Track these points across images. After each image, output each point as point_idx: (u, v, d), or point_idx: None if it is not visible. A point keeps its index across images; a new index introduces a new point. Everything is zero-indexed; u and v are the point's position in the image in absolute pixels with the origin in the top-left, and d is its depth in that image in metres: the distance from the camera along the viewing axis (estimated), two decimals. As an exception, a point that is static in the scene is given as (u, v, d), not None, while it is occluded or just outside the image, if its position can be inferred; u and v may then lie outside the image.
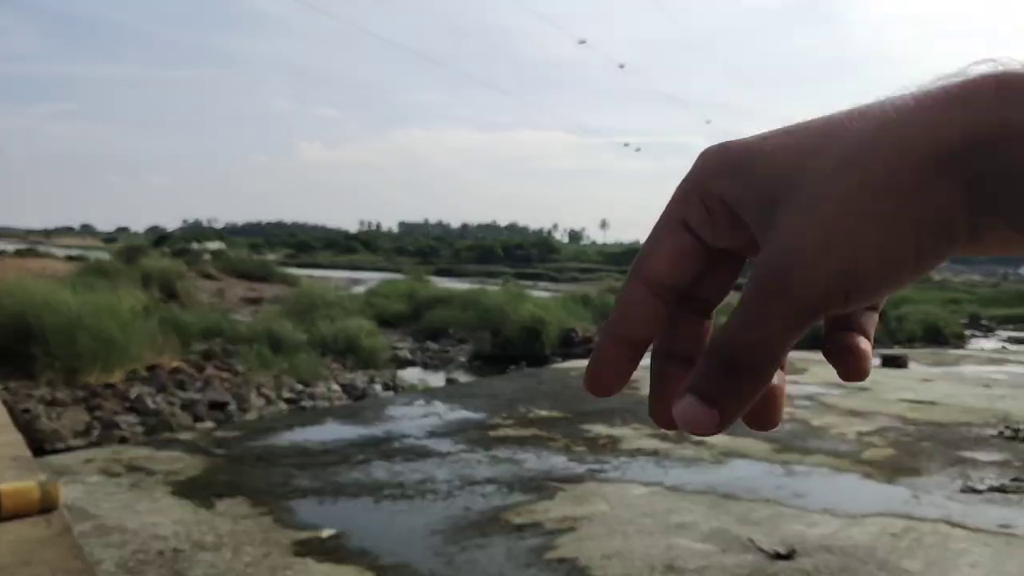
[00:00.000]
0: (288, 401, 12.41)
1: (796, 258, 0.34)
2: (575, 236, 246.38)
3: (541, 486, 8.01)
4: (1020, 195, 0.32)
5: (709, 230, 0.40)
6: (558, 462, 8.96)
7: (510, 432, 10.35)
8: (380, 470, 8.47)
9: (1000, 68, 0.33)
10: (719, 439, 10.01)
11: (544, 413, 11.46)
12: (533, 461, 8.98)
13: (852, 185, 0.34)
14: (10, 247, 61.27)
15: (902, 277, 0.35)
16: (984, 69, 0.34)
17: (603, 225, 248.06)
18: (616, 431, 10.43)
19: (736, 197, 0.38)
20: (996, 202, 0.33)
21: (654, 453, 9.36)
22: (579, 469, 8.69)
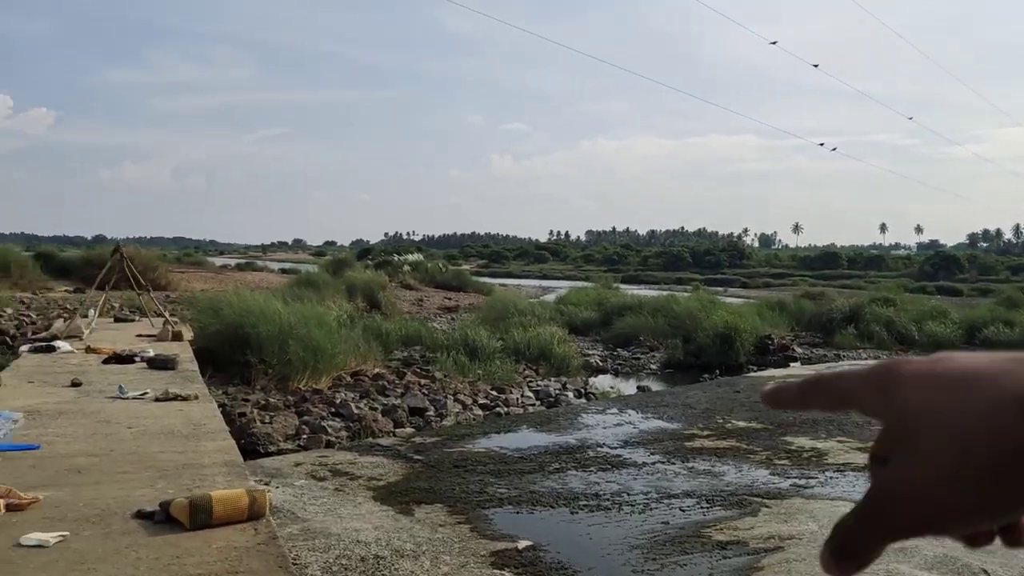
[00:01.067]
0: (483, 407, 12.53)
1: (898, 495, 0.45)
2: (766, 240, 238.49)
3: (743, 501, 7.63)
4: None
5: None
6: (759, 476, 8.53)
7: (707, 443, 9.97)
8: (575, 480, 8.34)
9: None
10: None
11: (742, 424, 10.99)
12: (733, 474, 8.59)
13: (949, 456, 0.43)
14: (232, 262, 66.07)
15: (996, 520, 0.45)
16: None
17: (796, 229, 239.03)
18: (821, 444, 9.85)
19: (879, 416, 0.48)
20: None
21: (864, 468, 8.72)
22: (783, 484, 8.23)
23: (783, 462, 9.04)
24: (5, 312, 21.74)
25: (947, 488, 0.42)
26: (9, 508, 4.76)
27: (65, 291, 30.14)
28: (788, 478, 8.39)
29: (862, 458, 9.13)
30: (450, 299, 34.02)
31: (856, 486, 8.11)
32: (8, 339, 17.41)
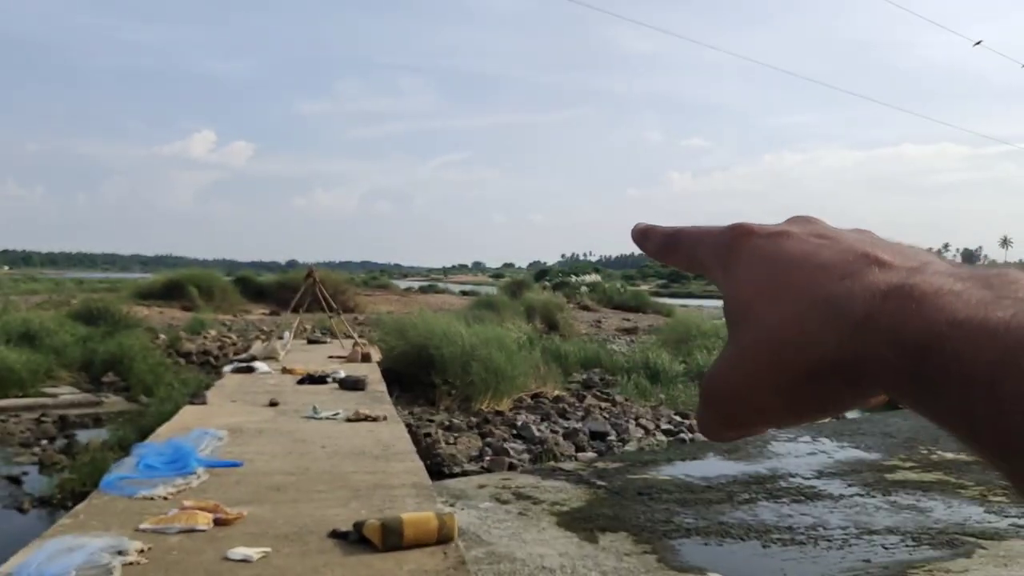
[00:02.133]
0: (666, 432, 12.25)
1: (719, 389, 0.41)
2: (969, 256, 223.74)
3: (953, 540, 7.04)
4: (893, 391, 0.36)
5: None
6: (972, 513, 7.87)
7: (911, 475, 9.31)
8: (766, 511, 7.97)
9: (887, 284, 0.37)
10: None
11: (950, 455, 10.20)
12: (941, 510, 7.96)
13: (761, 361, 0.39)
14: (415, 284, 68.32)
15: (818, 418, 0.42)
16: (887, 279, 0.37)
17: (1004, 243, 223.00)
18: (1044, 479, 8.98)
19: (720, 286, 0.44)
20: (874, 390, 0.37)
21: (1096, 508, 7.90)
22: (1000, 523, 7.55)
23: (999, 499, 8.30)
24: (209, 334, 23.26)
25: (761, 390, 0.39)
26: (217, 523, 5.00)
27: (262, 314, 31.98)
28: (1006, 517, 7.69)
29: (1092, 497, 8.29)
30: (628, 320, 33.75)
31: (1087, 528, 7.33)
32: (212, 359, 18.60)
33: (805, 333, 0.38)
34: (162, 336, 20.91)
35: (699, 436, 12.05)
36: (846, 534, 7.24)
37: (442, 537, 4.62)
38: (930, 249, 0.42)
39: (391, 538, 4.53)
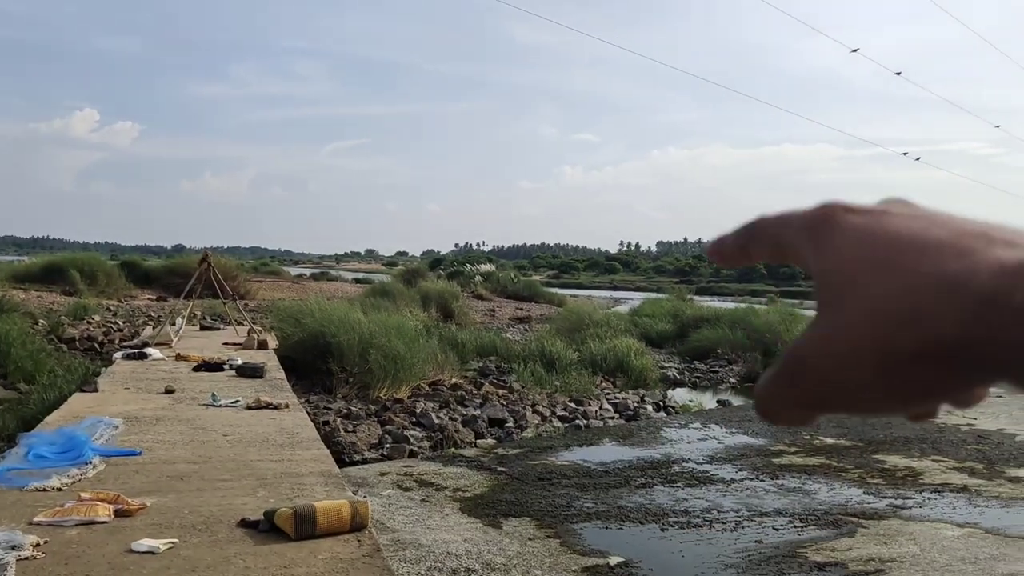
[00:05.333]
0: (562, 419, 12.46)
1: (809, 365, 0.39)
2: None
3: (838, 521, 7.43)
4: (1007, 376, 0.35)
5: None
6: (853, 495, 8.30)
7: (796, 460, 9.75)
8: (663, 495, 8.23)
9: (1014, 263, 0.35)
10: (1041, 476, 8.92)
11: (831, 440, 10.72)
12: (825, 492, 8.38)
13: (865, 337, 0.37)
14: (307, 271, 67.19)
15: (904, 411, 0.41)
16: (1001, 260, 0.35)
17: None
18: (915, 463, 9.55)
19: (810, 271, 0.41)
20: (984, 378, 0.37)
21: (963, 489, 8.45)
22: (878, 504, 7.99)
23: (877, 481, 8.79)
24: (94, 319, 22.38)
25: (859, 368, 0.37)
26: (118, 514, 4.88)
27: (149, 299, 30.96)
28: (884, 498, 8.15)
29: (960, 478, 8.86)
30: (521, 310, 34.02)
31: (956, 508, 7.84)
32: (98, 346, 17.91)
33: (918, 308, 0.36)
34: (42, 321, 20.00)
35: (594, 423, 12.31)
36: (739, 516, 7.54)
37: (356, 525, 4.63)
38: None
39: (304, 526, 4.51)
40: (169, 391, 9.46)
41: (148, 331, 17.41)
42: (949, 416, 11.98)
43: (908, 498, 8.16)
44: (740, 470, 9.23)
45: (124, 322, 22.66)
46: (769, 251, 0.45)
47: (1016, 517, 7.60)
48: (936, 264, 0.37)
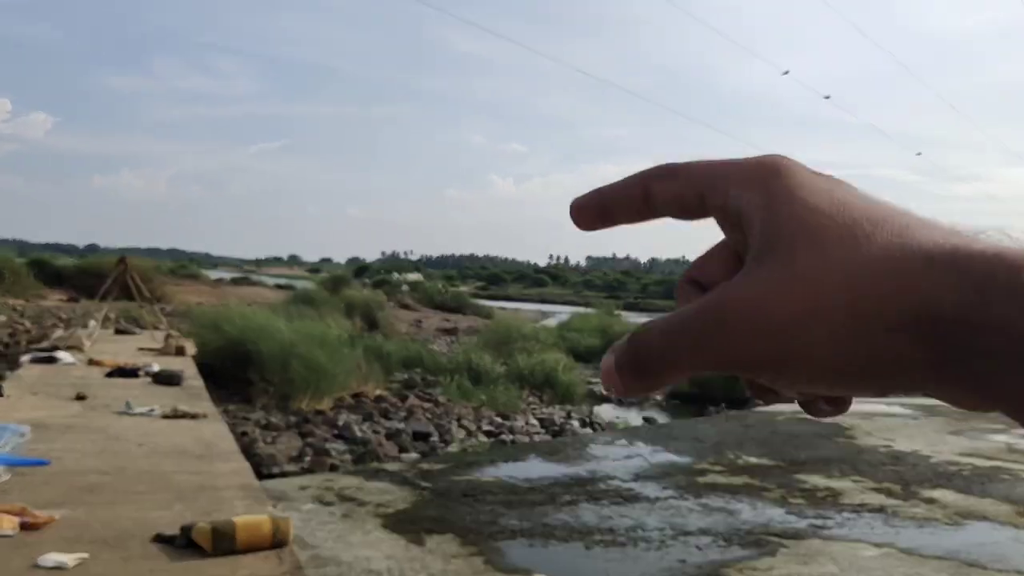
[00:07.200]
0: (488, 434, 12.37)
1: (747, 312, 0.34)
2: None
3: (760, 540, 7.49)
4: (985, 381, 0.32)
5: (715, 215, 0.39)
6: (775, 515, 8.39)
7: (720, 479, 9.83)
8: (588, 513, 8.20)
9: (995, 248, 0.32)
10: (953, 499, 9.16)
11: (754, 460, 10.85)
12: (748, 512, 8.45)
13: (837, 298, 0.33)
14: (227, 275, 65.89)
15: (845, 387, 0.35)
16: (984, 245, 0.33)
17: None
18: (835, 483, 9.72)
19: (743, 216, 0.37)
20: (963, 379, 0.33)
21: (880, 510, 8.62)
22: (799, 524, 8.09)
23: (798, 501, 8.91)
24: (-1, 319, 21.55)
25: (814, 329, 0.33)
26: (24, 527, 4.62)
27: (59, 300, 29.94)
28: (804, 518, 8.25)
29: (877, 499, 9.03)
30: (448, 321, 33.88)
31: (874, 528, 7.98)
32: (2, 347, 17.18)
33: (911, 279, 0.33)
34: (-58, 320, 19.16)
35: (520, 438, 12.25)
36: (663, 535, 7.55)
37: (277, 541, 4.47)
38: None
39: (223, 542, 4.33)
40: (80, 398, 9.09)
41: (59, 333, 16.78)
42: (867, 436, 12.27)
43: (828, 518, 8.28)
44: (665, 488, 9.26)
45: (32, 323, 21.83)
46: (680, 200, 0.39)
47: (931, 537, 7.77)
48: (928, 237, 0.33)
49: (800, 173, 0.37)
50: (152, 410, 8.53)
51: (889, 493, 9.33)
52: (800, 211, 0.35)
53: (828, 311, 0.33)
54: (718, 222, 0.39)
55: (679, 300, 0.42)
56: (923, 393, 0.35)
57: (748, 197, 0.37)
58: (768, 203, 0.36)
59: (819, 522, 8.14)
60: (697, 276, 0.42)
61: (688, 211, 0.39)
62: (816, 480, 9.82)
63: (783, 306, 0.34)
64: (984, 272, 0.32)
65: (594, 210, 0.41)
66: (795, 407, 0.42)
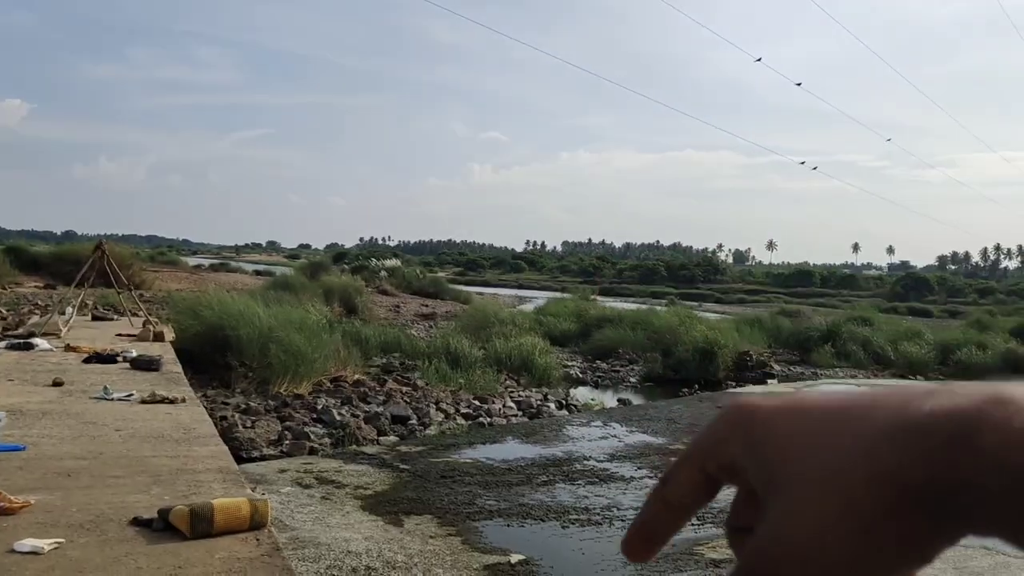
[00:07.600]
0: (466, 416, 12.45)
1: (777, 556, 0.37)
2: (740, 257, 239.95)
3: (733, 519, 7.61)
4: (987, 529, 0.34)
5: (727, 478, 0.42)
6: (748, 493, 8.53)
7: (694, 459, 9.96)
8: (564, 493, 8.30)
9: (981, 407, 0.34)
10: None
11: (728, 440, 10.98)
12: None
13: (828, 506, 0.36)
14: (205, 262, 65.54)
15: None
16: (968, 401, 0.35)
17: (770, 246, 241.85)
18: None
19: (746, 469, 0.40)
20: (962, 531, 0.35)
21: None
22: (772, 502, 8.23)
23: (770, 480, 9.06)
24: (-25, 306, 21.36)
25: (832, 541, 0.35)
26: None
27: (35, 286, 29.70)
28: (776, 496, 8.40)
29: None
30: (427, 306, 33.87)
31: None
32: (-21, 334, 17.05)
33: (880, 463, 0.35)
34: (-83, 307, 18.98)
35: (497, 420, 12.35)
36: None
37: (255, 523, 4.52)
38: None
39: (200, 525, 4.37)
40: (57, 383, 9.07)
41: (35, 320, 16.68)
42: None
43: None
44: (639, 468, 9.38)
45: (8, 310, 21.66)
46: (698, 470, 0.43)
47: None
48: (886, 417, 0.36)
49: (764, 409, 0.40)
50: (130, 395, 8.53)
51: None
52: (778, 446, 0.39)
53: (832, 522, 0.35)
54: (727, 482, 0.43)
55: (735, 551, 0.44)
56: (926, 566, 0.37)
57: (735, 453, 0.40)
58: (753, 452, 0.39)
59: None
60: (735, 523, 0.44)
61: (703, 490, 0.43)
62: (789, 459, 9.98)
63: (799, 537, 0.36)
64: (951, 428, 0.34)
65: (641, 543, 0.46)
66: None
